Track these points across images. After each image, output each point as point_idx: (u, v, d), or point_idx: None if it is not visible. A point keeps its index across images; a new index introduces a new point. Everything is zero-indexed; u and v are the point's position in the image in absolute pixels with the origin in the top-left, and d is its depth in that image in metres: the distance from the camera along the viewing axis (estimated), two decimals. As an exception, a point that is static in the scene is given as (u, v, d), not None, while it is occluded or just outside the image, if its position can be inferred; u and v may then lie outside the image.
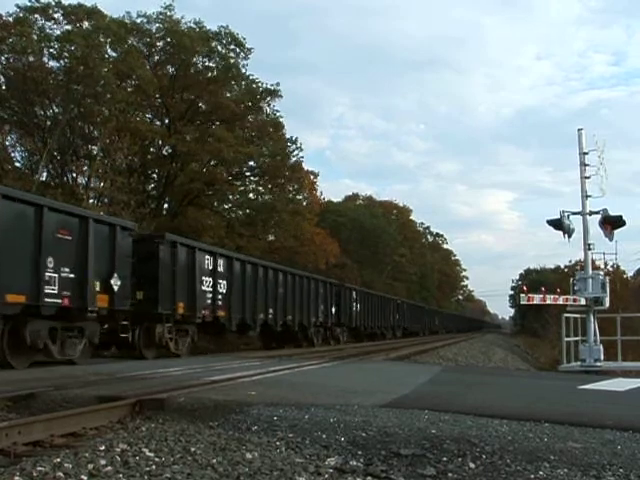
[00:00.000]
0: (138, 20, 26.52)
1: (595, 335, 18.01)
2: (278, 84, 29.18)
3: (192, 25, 26.82)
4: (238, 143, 26.97)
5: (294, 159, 30.70)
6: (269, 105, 29.80)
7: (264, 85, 29.02)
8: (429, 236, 79.37)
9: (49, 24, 23.23)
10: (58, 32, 23.23)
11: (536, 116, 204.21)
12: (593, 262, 20.01)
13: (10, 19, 22.28)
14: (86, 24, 23.62)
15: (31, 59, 22.29)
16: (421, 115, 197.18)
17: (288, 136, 30.79)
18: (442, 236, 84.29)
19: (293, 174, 30.76)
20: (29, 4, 22.76)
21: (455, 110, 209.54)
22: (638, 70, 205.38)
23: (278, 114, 30.15)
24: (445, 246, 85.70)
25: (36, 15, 22.97)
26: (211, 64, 27.76)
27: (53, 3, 23.16)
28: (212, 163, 28.55)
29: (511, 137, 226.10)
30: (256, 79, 28.92)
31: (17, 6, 22.56)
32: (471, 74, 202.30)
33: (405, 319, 38.36)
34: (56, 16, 23.30)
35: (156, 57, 27.40)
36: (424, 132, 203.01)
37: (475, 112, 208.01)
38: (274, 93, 29.25)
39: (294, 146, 30.54)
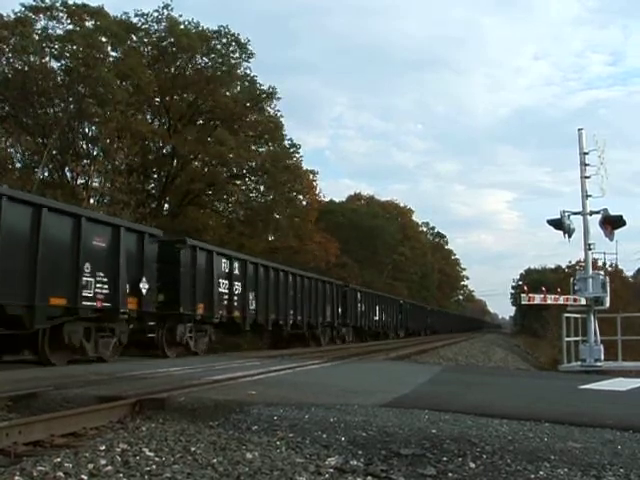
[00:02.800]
0: (136, 20, 26.54)
1: (595, 335, 18.01)
2: (275, 88, 29.41)
3: (191, 25, 26.85)
4: (239, 145, 26.95)
5: (294, 159, 30.78)
6: (270, 106, 29.88)
7: (262, 87, 29.13)
8: (430, 236, 79.43)
9: (52, 24, 23.26)
10: (60, 32, 23.26)
11: (535, 116, 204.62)
12: (595, 262, 20.01)
13: (12, 17, 22.28)
14: (88, 24, 23.61)
15: (32, 59, 22.27)
16: (420, 115, 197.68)
17: (287, 138, 30.94)
18: (444, 236, 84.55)
19: (292, 174, 30.75)
20: (34, 3, 22.79)
21: (454, 110, 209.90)
22: (636, 70, 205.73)
23: (279, 113, 30.26)
24: (446, 246, 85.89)
25: (40, 15, 22.96)
26: (211, 64, 27.75)
27: (58, 3, 23.17)
28: (213, 163, 28.54)
29: (510, 137, 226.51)
30: (255, 77, 29.03)
31: (22, 5, 22.60)
32: (471, 74, 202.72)
33: (409, 320, 39.15)
34: (60, 16, 23.31)
35: (155, 56, 27.37)
36: (423, 132, 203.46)
37: (474, 112, 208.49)
38: (271, 95, 29.31)
39: (293, 149, 30.67)
